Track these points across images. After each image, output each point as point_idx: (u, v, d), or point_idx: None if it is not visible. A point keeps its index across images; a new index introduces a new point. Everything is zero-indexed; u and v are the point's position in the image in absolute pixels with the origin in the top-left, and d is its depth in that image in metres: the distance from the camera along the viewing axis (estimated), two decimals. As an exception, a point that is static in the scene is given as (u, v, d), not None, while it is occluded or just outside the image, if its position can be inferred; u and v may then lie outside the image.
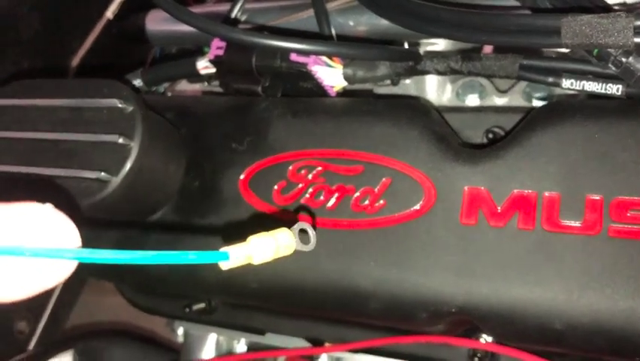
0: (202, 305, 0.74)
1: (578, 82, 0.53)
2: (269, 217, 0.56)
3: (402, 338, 0.57)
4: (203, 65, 0.69)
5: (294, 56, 0.61)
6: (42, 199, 0.29)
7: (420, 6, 0.57)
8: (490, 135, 0.58)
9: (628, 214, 0.46)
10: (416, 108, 0.58)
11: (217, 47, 0.65)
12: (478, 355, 0.62)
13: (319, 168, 0.56)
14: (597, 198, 0.48)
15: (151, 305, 0.82)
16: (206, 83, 0.78)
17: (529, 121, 0.53)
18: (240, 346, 0.80)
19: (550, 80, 0.55)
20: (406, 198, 0.53)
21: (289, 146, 0.58)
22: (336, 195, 0.55)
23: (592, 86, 0.53)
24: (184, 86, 0.80)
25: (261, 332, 0.75)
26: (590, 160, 0.49)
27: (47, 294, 0.96)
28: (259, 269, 0.55)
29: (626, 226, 0.46)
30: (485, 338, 0.58)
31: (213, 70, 0.68)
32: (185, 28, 0.66)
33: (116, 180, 0.53)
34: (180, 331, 0.82)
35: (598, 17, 0.46)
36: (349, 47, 0.61)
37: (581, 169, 0.49)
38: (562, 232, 0.48)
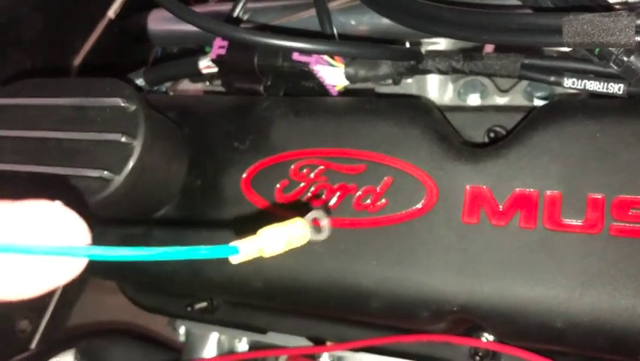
0: (204, 304, 0.75)
1: (580, 81, 0.54)
2: (271, 216, 0.56)
3: (403, 336, 0.57)
4: (205, 65, 0.69)
5: (296, 56, 0.61)
6: (51, 197, 0.29)
7: (421, 5, 0.57)
8: (492, 134, 0.58)
9: (629, 213, 0.47)
10: (418, 107, 0.58)
11: (219, 47, 0.65)
12: (480, 354, 0.62)
13: (321, 167, 0.57)
14: (599, 196, 0.48)
15: (153, 304, 0.82)
16: (208, 83, 0.78)
17: (531, 120, 0.53)
18: (242, 345, 0.80)
19: (552, 79, 0.55)
20: (408, 197, 0.53)
21: (291, 145, 0.58)
22: (337, 194, 0.55)
23: (593, 85, 0.53)
24: (186, 85, 0.80)
25: (263, 331, 0.75)
26: (591, 159, 0.49)
27: (49, 293, 0.96)
28: (262, 268, 0.55)
29: (627, 224, 0.46)
30: (486, 337, 0.58)
31: (215, 69, 0.68)
32: (187, 27, 0.66)
33: (118, 179, 0.53)
34: (182, 330, 0.83)
35: (600, 16, 0.46)
36: (351, 46, 0.61)
37: (583, 168, 0.49)
38: (563, 230, 0.48)
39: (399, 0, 0.58)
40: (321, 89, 0.63)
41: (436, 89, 0.68)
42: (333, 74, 0.62)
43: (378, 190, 0.54)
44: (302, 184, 0.57)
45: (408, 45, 0.67)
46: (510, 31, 0.51)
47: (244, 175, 0.59)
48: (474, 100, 0.66)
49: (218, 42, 0.65)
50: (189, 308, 0.74)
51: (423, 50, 0.67)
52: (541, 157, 0.50)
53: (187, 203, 0.61)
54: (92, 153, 0.54)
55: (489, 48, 0.63)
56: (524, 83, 0.64)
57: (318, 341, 0.71)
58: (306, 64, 0.61)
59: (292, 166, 0.57)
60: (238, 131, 0.61)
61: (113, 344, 0.95)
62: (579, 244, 0.47)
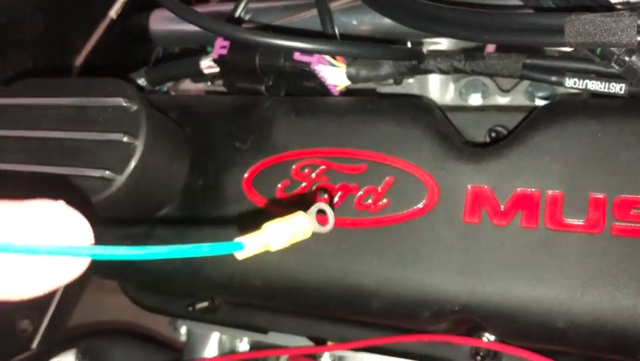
0: (205, 304, 0.75)
1: (581, 81, 0.54)
2: (272, 216, 0.56)
3: (404, 336, 0.57)
4: (207, 65, 0.69)
5: (297, 55, 0.61)
6: (54, 196, 0.29)
7: (423, 5, 0.57)
8: (493, 134, 0.58)
9: (631, 213, 0.47)
10: (419, 107, 0.58)
11: (220, 47, 0.65)
12: (481, 354, 0.62)
13: (322, 167, 0.57)
14: (600, 196, 0.48)
15: (154, 304, 0.82)
16: (209, 83, 0.78)
17: (532, 120, 0.53)
18: (243, 345, 0.80)
19: (554, 79, 0.55)
20: (409, 197, 0.53)
21: (292, 145, 0.58)
22: (339, 193, 0.55)
23: (595, 85, 0.53)
24: (187, 85, 0.80)
25: (264, 331, 0.75)
26: (592, 159, 0.49)
27: (50, 293, 0.96)
28: (263, 267, 0.55)
29: (629, 224, 0.46)
30: (488, 337, 0.58)
31: (217, 69, 0.68)
32: (188, 27, 0.67)
33: (120, 179, 0.53)
34: (183, 330, 0.83)
35: (601, 16, 0.46)
36: (352, 46, 0.61)
37: (584, 168, 0.49)
38: (565, 230, 0.48)
39: (400, 0, 0.58)
40: (323, 89, 0.63)
41: (438, 88, 0.68)
42: (334, 74, 0.62)
43: (379, 190, 0.54)
44: (303, 184, 0.57)
45: (409, 45, 0.67)
46: (512, 31, 0.51)
47: (246, 175, 0.59)
48: (475, 100, 0.66)
49: (220, 42, 0.65)
50: (190, 308, 0.74)
51: (424, 49, 0.67)
52: (542, 157, 0.50)
53: (189, 203, 0.61)
54: (94, 152, 0.54)
55: (490, 48, 0.64)
56: (526, 83, 0.64)
57: (319, 341, 0.71)
58: (308, 64, 0.61)
59: (294, 166, 0.58)
60: (240, 131, 0.61)
61: (114, 344, 0.95)
62: (580, 244, 0.47)
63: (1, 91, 0.63)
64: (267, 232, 0.32)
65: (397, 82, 0.64)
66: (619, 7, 0.53)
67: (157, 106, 0.61)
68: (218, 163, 0.61)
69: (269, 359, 0.76)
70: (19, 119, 0.59)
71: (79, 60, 0.84)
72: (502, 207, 0.50)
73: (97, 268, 0.70)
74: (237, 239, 0.31)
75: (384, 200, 0.54)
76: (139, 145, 0.54)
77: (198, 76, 0.75)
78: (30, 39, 0.79)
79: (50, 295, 0.96)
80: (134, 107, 0.55)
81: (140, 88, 0.75)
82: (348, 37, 0.67)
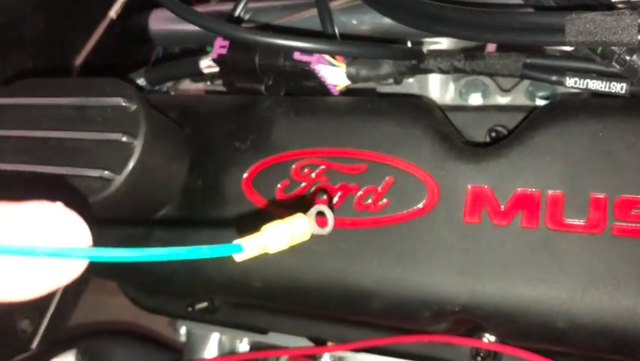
0: (205, 304, 0.75)
1: (582, 80, 0.53)
2: (272, 216, 0.56)
3: (405, 337, 0.57)
4: (207, 64, 0.69)
5: (297, 55, 0.61)
6: (52, 198, 0.29)
7: (423, 5, 0.57)
8: (493, 134, 0.58)
9: (632, 213, 0.46)
10: (419, 107, 0.58)
11: (220, 46, 0.65)
12: (481, 354, 0.62)
13: (322, 167, 0.56)
14: (601, 196, 0.48)
15: (154, 305, 0.82)
16: (209, 82, 0.78)
17: (533, 120, 0.53)
18: (243, 345, 0.80)
19: (554, 78, 0.55)
20: (409, 197, 0.53)
21: (292, 144, 0.58)
22: (339, 193, 0.55)
23: (596, 85, 0.53)
24: (187, 85, 0.80)
25: (264, 332, 0.75)
26: (593, 158, 0.49)
27: (50, 293, 0.96)
28: (262, 268, 0.55)
29: (630, 224, 0.46)
30: (488, 337, 0.58)
31: (216, 69, 0.68)
32: (188, 27, 0.66)
33: (119, 179, 0.53)
34: (183, 330, 0.83)
35: (602, 15, 0.46)
36: (352, 46, 0.61)
37: (585, 167, 0.49)
38: (565, 230, 0.48)
39: (402, 0, 0.58)
40: (323, 89, 0.63)
41: (438, 88, 0.68)
42: (334, 74, 0.62)
43: (379, 190, 0.54)
44: (303, 184, 0.57)
45: (409, 45, 0.67)
46: (512, 31, 0.51)
47: (245, 175, 0.59)
48: (475, 99, 0.66)
49: (220, 42, 0.65)
50: (190, 309, 0.74)
51: (424, 49, 0.67)
52: (543, 157, 0.50)
53: (188, 203, 0.61)
54: (93, 152, 0.54)
55: (491, 47, 0.63)
56: (526, 82, 0.64)
57: (319, 342, 0.71)
58: (308, 63, 0.61)
59: (293, 166, 0.57)
60: (239, 131, 0.61)
61: (115, 345, 0.95)
62: (581, 244, 0.47)
63: (0, 91, 0.63)
64: (266, 234, 0.32)
65: (397, 81, 0.64)
66: (620, 5, 0.53)
67: (156, 106, 0.60)
68: (218, 163, 0.61)
69: (269, 359, 0.76)
70: (18, 119, 0.59)
71: (79, 60, 0.84)
72: (502, 207, 0.50)
73: (96, 269, 0.70)
74: (236, 241, 0.31)
75: (384, 200, 0.54)
76: (138, 145, 0.53)
77: (198, 76, 0.74)
78: (30, 39, 0.79)
79: (50, 296, 0.96)
80: (133, 107, 0.55)
81: (140, 88, 0.75)
82: (348, 37, 0.67)
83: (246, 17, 0.72)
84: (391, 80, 0.63)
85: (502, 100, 0.65)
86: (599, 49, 0.49)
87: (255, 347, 0.79)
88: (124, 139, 0.53)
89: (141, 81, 0.75)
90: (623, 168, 0.48)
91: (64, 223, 0.28)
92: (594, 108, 0.51)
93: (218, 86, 0.76)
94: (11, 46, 0.77)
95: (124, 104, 0.55)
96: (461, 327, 0.57)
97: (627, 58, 0.49)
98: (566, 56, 0.55)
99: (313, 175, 0.57)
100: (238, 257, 0.31)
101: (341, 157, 0.56)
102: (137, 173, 0.54)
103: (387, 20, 0.62)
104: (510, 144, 0.52)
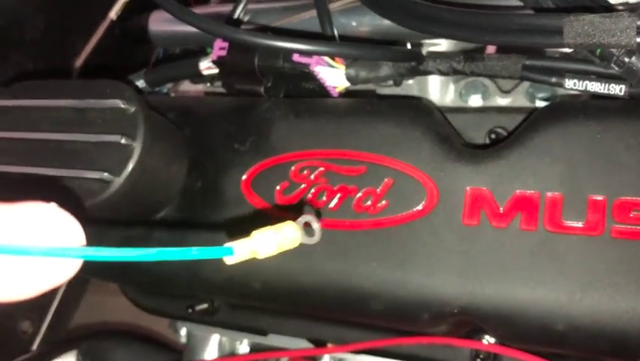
0: (205, 306, 0.75)
1: (581, 82, 0.53)
2: (271, 218, 0.56)
3: (404, 338, 0.57)
4: (206, 66, 0.69)
5: (296, 57, 0.61)
6: (46, 198, 0.29)
7: (422, 6, 0.57)
8: (493, 136, 0.58)
9: (631, 215, 0.46)
10: (419, 109, 0.58)
11: (220, 48, 0.65)
12: (481, 356, 0.61)
13: (321, 169, 0.56)
14: (600, 198, 0.47)
15: (154, 306, 0.82)
16: (208, 84, 0.78)
17: (532, 121, 0.53)
18: (243, 347, 0.80)
19: (553, 80, 0.55)
20: (409, 199, 0.53)
21: (291, 146, 0.58)
22: (338, 195, 0.55)
23: (595, 87, 0.53)
24: (187, 86, 0.80)
25: (264, 333, 0.75)
26: (592, 160, 0.49)
27: (51, 294, 0.96)
28: (262, 270, 0.55)
29: (628, 226, 0.46)
30: (488, 339, 0.58)
31: (216, 70, 0.68)
32: (188, 28, 0.66)
33: (118, 181, 0.53)
34: (183, 331, 0.83)
35: (600, 17, 0.46)
36: (352, 48, 0.61)
37: (584, 169, 0.49)
38: (564, 232, 0.48)
39: (400, 1, 0.58)
40: (322, 91, 0.63)
41: (438, 89, 0.68)
42: (333, 76, 0.62)
43: (378, 192, 0.54)
44: (302, 186, 0.57)
45: (409, 46, 0.67)
46: (511, 32, 0.51)
47: (244, 177, 0.59)
48: (475, 101, 0.66)
49: (219, 43, 0.65)
50: (190, 310, 0.74)
51: (424, 51, 0.67)
52: (542, 158, 0.50)
53: (187, 204, 0.61)
54: (92, 154, 0.54)
55: (490, 49, 0.63)
56: (526, 83, 0.64)
57: (319, 343, 0.71)
58: (307, 65, 0.61)
59: (292, 168, 0.57)
60: (238, 133, 0.61)
61: (115, 346, 0.95)
62: (580, 246, 0.47)
63: (0, 93, 0.63)
64: (256, 239, 0.33)
65: (397, 83, 0.64)
66: (619, 7, 0.53)
67: (156, 107, 0.61)
68: (217, 165, 0.61)
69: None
70: (17, 120, 0.59)
71: (79, 61, 0.84)
72: (501, 209, 0.50)
73: (96, 271, 0.70)
74: (227, 244, 0.32)
75: (384, 202, 0.54)
76: (137, 147, 0.54)
77: (197, 77, 0.74)
78: (30, 40, 0.79)
79: (51, 297, 0.97)
80: (132, 109, 0.55)
81: (139, 90, 0.75)
82: (347, 39, 0.67)
83: (246, 19, 0.72)
84: (391, 82, 0.63)
85: (502, 101, 0.65)
86: (598, 51, 0.49)
87: (255, 348, 0.79)
88: (123, 141, 0.53)
89: (141, 83, 0.75)
90: (622, 170, 0.48)
91: (58, 223, 0.29)
92: (593, 110, 0.51)
93: (218, 87, 0.76)
94: (12, 46, 0.77)
95: (123, 106, 0.55)
96: (461, 329, 0.57)
97: (626, 60, 0.49)
98: (565, 57, 0.55)
99: (312, 177, 0.57)
100: (229, 260, 0.32)
101: (340, 159, 0.56)
102: (136, 175, 0.54)
103: (386, 22, 0.62)
104: (509, 145, 0.52)
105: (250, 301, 0.66)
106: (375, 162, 0.55)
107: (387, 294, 0.52)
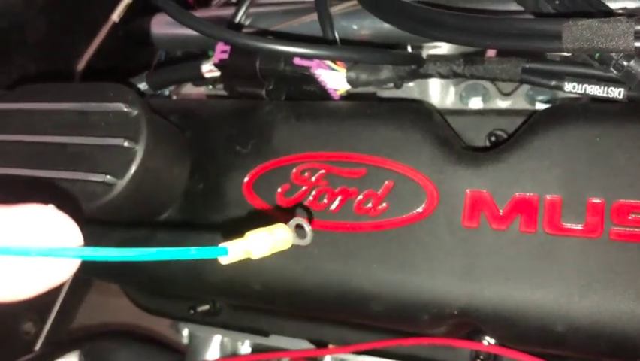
0: (206, 307, 0.75)
1: (580, 85, 0.54)
2: (272, 220, 0.57)
3: (405, 339, 0.57)
4: (208, 69, 0.70)
5: (297, 60, 0.62)
6: (45, 200, 0.30)
7: (422, 10, 0.57)
8: (493, 138, 0.58)
9: (629, 217, 0.47)
10: (419, 111, 0.58)
11: (221, 51, 0.65)
12: (481, 357, 0.62)
13: (322, 171, 0.57)
14: (599, 201, 0.48)
15: (156, 307, 0.82)
16: (210, 87, 0.78)
17: (532, 124, 0.53)
18: (245, 347, 0.80)
19: (553, 83, 0.55)
20: (409, 201, 0.53)
21: (293, 149, 0.58)
22: (339, 197, 0.56)
23: (594, 90, 0.53)
24: (189, 89, 0.80)
25: (266, 334, 0.76)
26: (591, 163, 0.49)
27: (53, 295, 0.97)
28: (263, 271, 0.56)
29: (627, 229, 0.46)
30: (488, 340, 0.58)
31: (218, 73, 0.68)
32: (190, 31, 0.67)
33: (121, 183, 0.53)
34: (185, 332, 0.83)
35: (599, 22, 0.46)
36: (352, 51, 0.61)
37: (583, 172, 0.49)
38: (563, 235, 0.48)
39: (400, 5, 0.59)
40: (323, 93, 0.63)
41: (438, 92, 0.68)
42: (334, 79, 0.62)
43: (379, 194, 0.54)
44: (303, 188, 0.57)
45: (409, 50, 0.67)
46: (510, 37, 0.51)
47: (246, 179, 0.59)
48: (476, 103, 0.66)
49: (221, 46, 0.65)
50: (192, 311, 0.74)
51: (424, 54, 0.67)
52: (541, 161, 0.50)
53: (189, 206, 0.61)
54: (95, 157, 0.55)
55: (491, 52, 0.64)
56: (526, 86, 0.64)
57: (321, 344, 0.71)
58: (308, 68, 0.61)
59: (294, 170, 0.58)
60: (240, 135, 0.61)
61: (117, 346, 0.95)
62: (579, 249, 0.47)
63: (3, 96, 0.64)
64: (250, 240, 0.34)
65: (398, 86, 0.64)
66: (618, 12, 0.53)
67: (158, 110, 0.61)
68: (219, 167, 0.61)
69: (270, 361, 0.76)
70: (21, 124, 0.60)
71: (81, 63, 0.84)
72: (501, 211, 0.50)
73: (98, 272, 0.71)
74: (222, 244, 0.32)
75: (384, 204, 0.54)
76: (139, 150, 0.54)
77: (199, 80, 0.75)
78: (32, 43, 0.79)
79: (53, 297, 0.97)
80: (135, 113, 0.55)
81: (142, 92, 0.76)
82: (348, 42, 0.67)
83: (247, 22, 0.73)
84: (392, 85, 0.64)
85: (503, 104, 0.65)
86: (597, 54, 0.49)
87: (256, 349, 0.79)
88: (126, 144, 0.54)
89: (143, 85, 0.76)
90: (620, 173, 0.48)
91: (56, 224, 0.29)
92: (593, 113, 0.51)
93: (220, 90, 0.76)
94: (14, 49, 0.78)
95: (126, 109, 0.55)
96: (461, 330, 0.57)
97: (625, 63, 0.49)
98: (564, 61, 0.56)
99: (313, 179, 0.57)
100: (223, 260, 0.33)
101: (341, 161, 0.56)
102: (138, 177, 0.54)
103: (387, 25, 0.62)
104: (509, 148, 0.52)
105: (251, 302, 0.66)
106: (376, 164, 0.55)
107: (388, 295, 0.52)
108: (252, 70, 0.63)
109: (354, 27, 0.68)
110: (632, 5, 0.56)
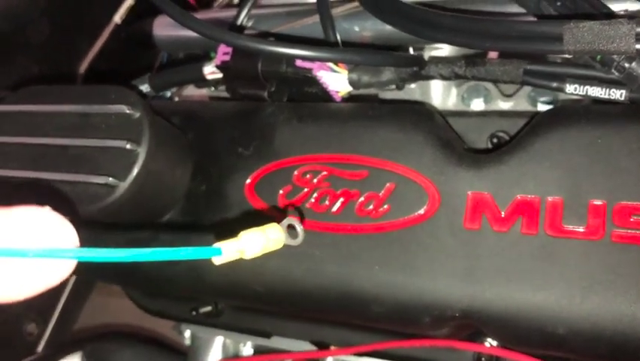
0: (208, 308, 0.75)
1: (582, 87, 0.54)
2: (274, 221, 0.57)
3: (407, 341, 0.57)
4: (210, 71, 0.70)
5: (299, 62, 0.62)
6: (41, 202, 0.30)
7: (424, 12, 0.57)
8: (495, 140, 0.58)
9: (631, 219, 0.47)
10: (421, 113, 0.58)
11: (223, 53, 0.66)
12: (483, 359, 0.62)
13: (324, 173, 0.57)
14: (600, 203, 0.48)
15: (158, 308, 0.83)
16: (212, 88, 0.78)
17: (533, 126, 0.53)
18: (247, 349, 0.80)
19: (554, 85, 0.55)
20: (410, 203, 0.53)
21: (295, 150, 0.59)
22: (340, 199, 0.56)
23: (595, 91, 0.53)
24: (191, 91, 0.80)
25: (267, 335, 0.76)
26: (593, 165, 0.49)
27: (56, 296, 0.97)
28: (264, 272, 0.56)
29: (629, 231, 0.46)
30: (490, 342, 0.58)
31: (220, 75, 0.69)
32: (192, 33, 0.67)
33: (123, 185, 0.53)
34: (187, 334, 0.83)
35: (600, 24, 0.46)
36: (354, 53, 0.61)
37: (585, 174, 0.49)
38: (565, 237, 0.48)
39: (402, 7, 0.59)
40: (325, 95, 0.64)
41: (440, 93, 0.68)
42: (336, 80, 0.62)
43: (380, 196, 0.54)
44: (305, 190, 0.57)
45: (411, 51, 0.67)
46: (511, 39, 0.52)
47: (248, 180, 0.59)
48: (478, 105, 0.66)
49: (223, 48, 0.66)
50: (194, 312, 0.75)
51: (426, 56, 0.67)
52: (543, 163, 0.51)
53: (191, 208, 0.62)
54: (97, 159, 0.55)
55: (492, 54, 0.64)
56: (528, 87, 0.64)
57: (322, 346, 0.71)
58: (310, 70, 0.62)
59: (295, 172, 0.58)
60: (242, 137, 0.61)
61: (120, 347, 0.95)
62: (580, 250, 0.47)
63: (5, 98, 0.64)
64: (243, 240, 0.35)
65: (399, 87, 0.64)
66: (620, 14, 0.53)
67: (160, 112, 0.61)
68: (221, 169, 0.61)
69: (272, 363, 0.76)
70: (23, 125, 0.60)
71: (84, 65, 0.84)
72: (502, 213, 0.50)
73: (101, 273, 0.71)
74: (216, 245, 0.33)
75: (386, 206, 0.54)
76: (141, 152, 0.54)
77: (201, 82, 0.75)
78: (35, 44, 0.80)
79: (56, 299, 0.97)
80: (137, 115, 0.55)
81: (144, 94, 0.76)
82: (349, 44, 0.67)
83: (249, 24, 0.73)
84: (393, 86, 0.64)
85: (504, 105, 0.65)
86: (598, 56, 0.49)
87: (258, 350, 0.79)
88: (128, 146, 0.54)
89: (145, 87, 0.76)
90: (622, 175, 0.48)
91: (52, 226, 0.29)
92: (594, 115, 0.51)
93: (222, 92, 0.76)
94: (17, 50, 0.78)
95: (128, 111, 0.55)
96: (463, 332, 0.57)
97: (626, 65, 0.49)
98: (566, 62, 0.56)
99: (315, 181, 0.57)
100: (217, 260, 0.33)
101: (343, 163, 0.57)
102: (141, 179, 0.54)
103: (388, 27, 0.62)
104: (511, 150, 0.53)
105: (253, 303, 0.66)
106: (378, 166, 0.55)
107: (389, 297, 0.52)
108: (253, 72, 0.63)
109: (356, 29, 0.68)
110: (633, 7, 0.56)
